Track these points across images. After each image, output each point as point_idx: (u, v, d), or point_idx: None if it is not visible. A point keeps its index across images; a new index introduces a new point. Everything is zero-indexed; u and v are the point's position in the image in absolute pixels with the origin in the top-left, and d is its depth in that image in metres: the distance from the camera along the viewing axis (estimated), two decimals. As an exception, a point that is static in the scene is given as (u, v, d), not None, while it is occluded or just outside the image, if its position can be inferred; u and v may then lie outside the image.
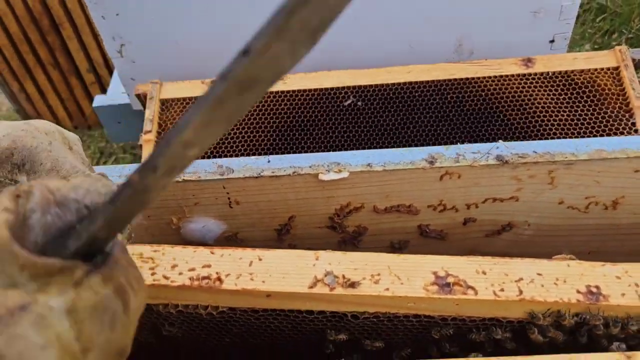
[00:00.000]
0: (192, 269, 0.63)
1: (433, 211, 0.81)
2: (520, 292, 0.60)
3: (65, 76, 2.85)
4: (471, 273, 0.61)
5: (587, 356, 0.56)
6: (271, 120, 1.06)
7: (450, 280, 0.61)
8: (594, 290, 0.60)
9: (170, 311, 0.65)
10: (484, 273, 0.61)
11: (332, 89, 1.07)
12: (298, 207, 0.80)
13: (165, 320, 0.68)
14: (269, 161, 0.77)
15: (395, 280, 0.61)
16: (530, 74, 1.04)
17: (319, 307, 0.63)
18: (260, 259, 0.64)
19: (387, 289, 0.61)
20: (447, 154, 0.75)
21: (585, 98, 1.01)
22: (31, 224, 0.36)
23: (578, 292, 0.60)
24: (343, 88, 1.07)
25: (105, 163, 2.55)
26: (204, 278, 0.63)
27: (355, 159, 0.76)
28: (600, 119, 0.99)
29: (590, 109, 1.00)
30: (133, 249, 0.66)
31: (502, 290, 0.60)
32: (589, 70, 1.03)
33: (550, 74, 1.04)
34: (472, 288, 0.60)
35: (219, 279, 0.62)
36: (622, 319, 0.60)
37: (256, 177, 0.76)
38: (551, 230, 0.84)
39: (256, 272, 0.63)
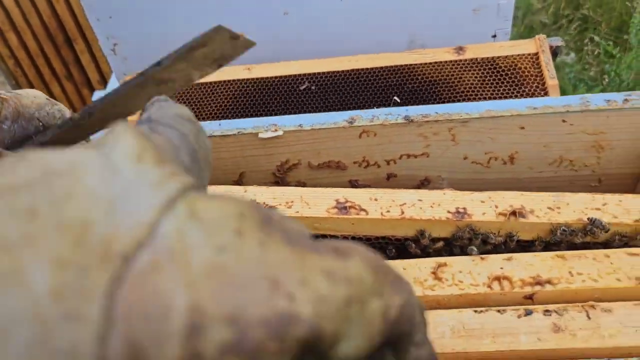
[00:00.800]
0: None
1: (358, 167, 0.96)
2: (402, 212, 0.75)
3: (78, 88, 3.07)
4: (365, 199, 0.76)
5: (453, 259, 0.71)
6: (238, 103, 1.23)
7: (348, 204, 0.76)
8: (461, 210, 0.74)
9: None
10: (376, 200, 0.76)
11: (290, 76, 1.23)
12: (246, 163, 0.96)
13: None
14: (219, 124, 0.94)
15: (305, 206, 0.77)
16: (461, 60, 1.19)
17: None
18: (200, 193, 0.80)
19: (297, 212, 0.76)
20: (364, 115, 0.91)
21: (507, 79, 1.16)
22: (4, 128, 0.53)
23: (448, 212, 0.74)
24: (300, 75, 1.23)
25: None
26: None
27: (289, 121, 0.92)
28: (519, 97, 1.14)
29: (512, 88, 1.15)
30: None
31: (388, 211, 0.75)
32: (512, 56, 1.18)
33: (478, 59, 1.19)
34: (365, 210, 0.75)
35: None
36: (485, 233, 0.74)
37: (209, 137, 0.92)
38: (462, 184, 0.98)
39: (196, 202, 0.78)
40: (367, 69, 1.21)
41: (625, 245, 0.73)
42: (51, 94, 3.07)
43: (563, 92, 2.19)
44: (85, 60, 2.95)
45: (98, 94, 1.59)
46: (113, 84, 1.62)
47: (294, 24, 1.34)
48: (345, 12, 1.34)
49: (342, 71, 1.22)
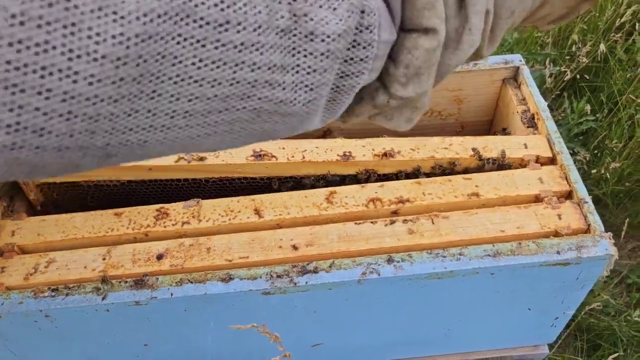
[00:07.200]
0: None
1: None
2: (303, 157, 0.98)
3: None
4: (275, 148, 0.99)
5: (341, 187, 0.95)
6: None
7: (262, 153, 0.99)
8: (347, 154, 0.99)
9: (89, 185, 1.01)
10: (283, 148, 1.00)
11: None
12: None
13: (87, 194, 1.04)
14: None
15: (229, 156, 0.99)
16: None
17: (183, 176, 1.00)
18: (145, 149, 1.00)
19: (223, 160, 0.98)
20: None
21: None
22: None
23: (337, 155, 0.99)
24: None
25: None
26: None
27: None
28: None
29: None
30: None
31: (292, 156, 0.98)
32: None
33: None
34: (275, 156, 0.98)
35: (118, 161, 0.99)
36: (369, 171, 0.99)
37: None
38: (356, 134, 1.22)
39: (142, 156, 0.99)
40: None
41: (464, 172, 1.00)
42: None
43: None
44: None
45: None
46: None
47: None
48: None
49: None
